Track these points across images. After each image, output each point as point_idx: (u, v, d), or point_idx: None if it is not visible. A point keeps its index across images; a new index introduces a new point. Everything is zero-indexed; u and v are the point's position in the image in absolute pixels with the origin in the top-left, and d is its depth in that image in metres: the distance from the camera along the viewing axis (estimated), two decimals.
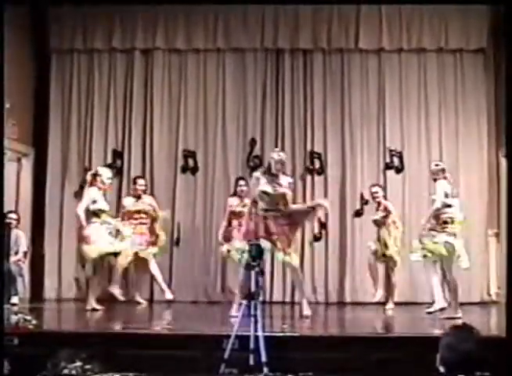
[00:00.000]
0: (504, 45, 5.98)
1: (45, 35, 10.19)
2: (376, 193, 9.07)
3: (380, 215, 8.92)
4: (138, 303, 9.23)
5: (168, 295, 9.14)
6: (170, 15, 10.11)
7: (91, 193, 8.21)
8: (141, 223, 9.16)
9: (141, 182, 9.44)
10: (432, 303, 7.85)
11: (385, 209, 8.92)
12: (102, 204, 8.22)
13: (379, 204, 9.01)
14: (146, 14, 10.13)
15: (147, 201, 9.35)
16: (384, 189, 9.87)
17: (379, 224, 8.92)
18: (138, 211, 9.18)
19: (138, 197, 9.33)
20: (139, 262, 9.22)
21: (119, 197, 9.93)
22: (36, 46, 10.21)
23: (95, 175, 8.38)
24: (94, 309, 8.16)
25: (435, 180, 7.88)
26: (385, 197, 9.13)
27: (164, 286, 9.24)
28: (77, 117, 10.25)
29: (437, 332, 6.11)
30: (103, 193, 8.38)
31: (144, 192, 9.42)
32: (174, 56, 10.31)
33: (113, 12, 10.11)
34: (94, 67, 10.30)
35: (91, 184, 8.31)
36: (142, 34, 10.18)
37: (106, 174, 8.46)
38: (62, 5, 9.83)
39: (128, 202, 9.32)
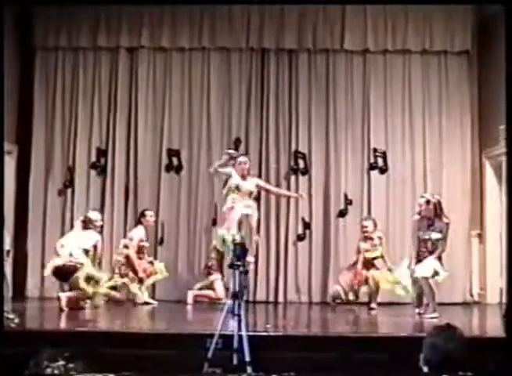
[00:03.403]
0: (505, 45, 5.97)
1: (29, 33, 10.12)
2: (366, 227, 8.92)
3: (370, 247, 8.83)
4: (149, 303, 9.18)
5: (152, 302, 9.19)
6: (155, 13, 10.08)
7: (90, 236, 8.42)
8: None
9: (150, 213, 9.45)
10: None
11: (375, 245, 8.82)
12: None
13: (371, 238, 8.86)
14: (131, 12, 10.08)
15: None
16: (368, 189, 9.90)
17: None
18: None
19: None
20: None
21: (102, 197, 9.95)
22: (20, 43, 10.12)
23: (85, 220, 8.54)
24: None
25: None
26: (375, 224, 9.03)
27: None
28: (61, 114, 10.19)
29: (420, 332, 6.13)
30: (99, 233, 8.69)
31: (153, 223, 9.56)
32: (159, 55, 10.28)
33: (99, 10, 10.06)
34: (78, 65, 10.24)
35: (85, 228, 8.48)
36: (127, 32, 10.14)
37: (96, 217, 8.64)
38: (47, 3, 9.75)
39: (141, 234, 9.28)
